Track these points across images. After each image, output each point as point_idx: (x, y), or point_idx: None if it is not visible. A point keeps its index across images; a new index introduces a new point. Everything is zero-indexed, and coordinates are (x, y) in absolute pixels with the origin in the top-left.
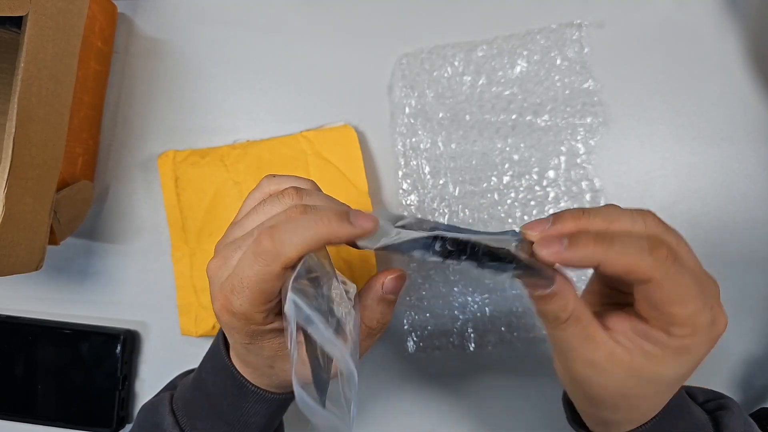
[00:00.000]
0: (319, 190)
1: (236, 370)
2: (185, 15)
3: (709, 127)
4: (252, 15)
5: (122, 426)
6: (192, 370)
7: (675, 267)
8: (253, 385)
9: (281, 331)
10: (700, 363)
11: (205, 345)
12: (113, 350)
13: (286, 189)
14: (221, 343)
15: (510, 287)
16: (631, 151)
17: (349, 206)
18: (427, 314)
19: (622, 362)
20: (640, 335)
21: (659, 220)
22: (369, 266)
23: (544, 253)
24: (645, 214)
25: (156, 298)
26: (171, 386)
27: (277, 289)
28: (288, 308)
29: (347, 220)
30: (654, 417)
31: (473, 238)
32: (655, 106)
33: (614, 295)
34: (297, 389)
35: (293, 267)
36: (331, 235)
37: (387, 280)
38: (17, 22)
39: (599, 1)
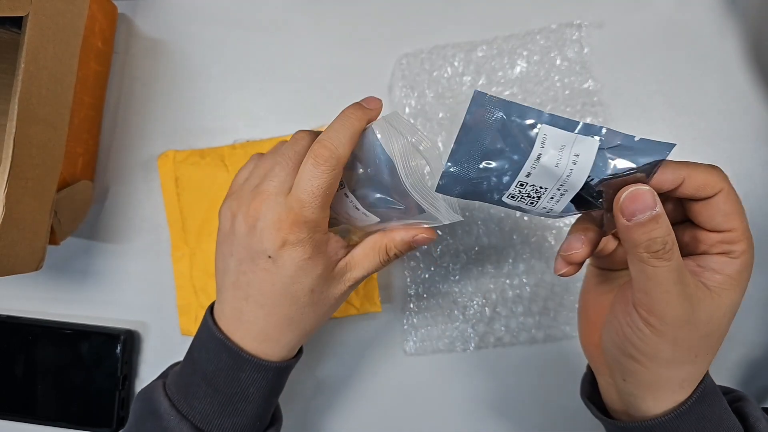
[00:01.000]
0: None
1: (232, 342)
2: (185, 15)
3: (709, 127)
4: (252, 15)
5: (122, 426)
6: (179, 362)
7: (730, 183)
8: (247, 353)
9: (333, 243)
10: (744, 291)
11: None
12: (113, 350)
13: (296, 133)
14: (211, 322)
15: (510, 287)
16: None
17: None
18: (427, 314)
19: (707, 296)
20: (707, 269)
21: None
22: (371, 285)
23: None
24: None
25: (156, 298)
26: (162, 375)
27: (335, 186)
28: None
29: (362, 106)
30: (690, 398)
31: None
32: (655, 106)
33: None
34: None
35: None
36: (362, 121)
37: (420, 235)
38: (17, 23)
39: (599, 1)
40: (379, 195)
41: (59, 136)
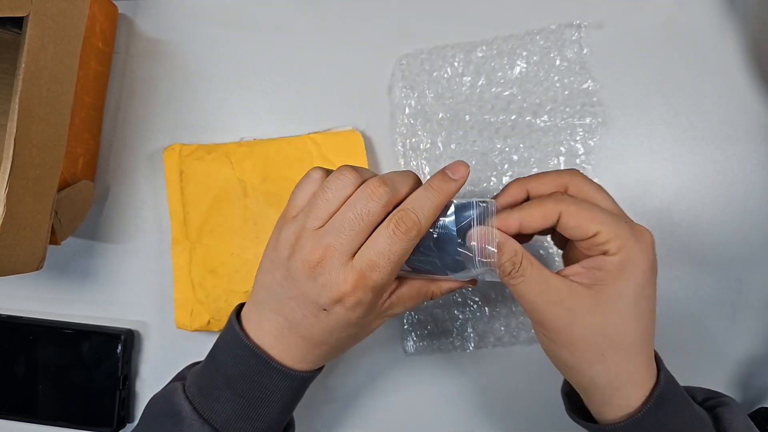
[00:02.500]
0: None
1: (260, 348)
2: (186, 16)
3: (708, 127)
4: (252, 15)
5: (123, 425)
6: (198, 362)
7: (572, 199)
8: (276, 361)
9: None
10: (647, 281)
11: (206, 343)
12: (114, 350)
13: (370, 181)
14: (237, 326)
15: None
16: (630, 152)
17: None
18: (427, 314)
19: (583, 293)
20: (588, 268)
21: (583, 174)
22: None
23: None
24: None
25: (156, 298)
26: (180, 377)
27: (406, 258)
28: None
29: (449, 177)
30: (647, 402)
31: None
32: (655, 107)
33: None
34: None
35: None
36: (448, 196)
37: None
38: (18, 23)
39: (598, 2)
40: (431, 259)
41: (60, 136)
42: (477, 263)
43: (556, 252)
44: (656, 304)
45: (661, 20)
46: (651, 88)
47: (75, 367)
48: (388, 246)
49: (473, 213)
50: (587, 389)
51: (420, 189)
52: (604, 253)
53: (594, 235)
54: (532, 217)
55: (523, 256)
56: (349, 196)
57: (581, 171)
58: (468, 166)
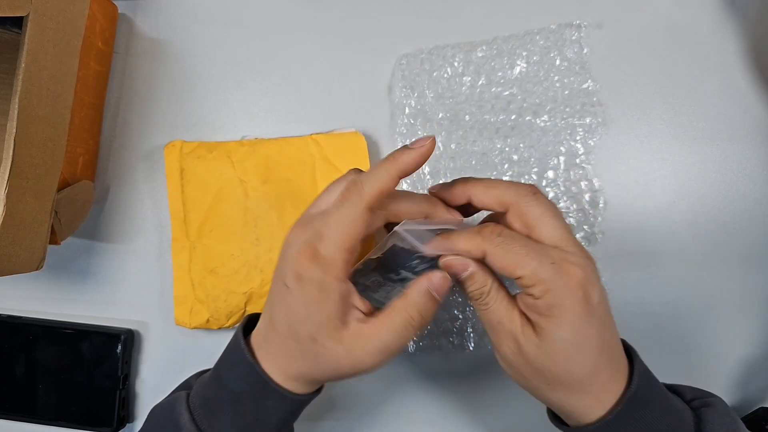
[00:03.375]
0: None
1: (261, 368)
2: (186, 16)
3: (708, 127)
4: (252, 15)
5: (123, 425)
6: (205, 371)
7: (500, 239)
8: (275, 383)
9: (346, 299)
10: (583, 318)
11: (206, 343)
12: (114, 350)
13: (349, 171)
14: (242, 341)
15: (510, 286)
16: (630, 151)
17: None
18: None
19: (530, 335)
20: (528, 310)
21: (534, 188)
22: None
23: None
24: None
25: (156, 297)
26: (185, 386)
27: (360, 233)
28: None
29: (406, 147)
30: (616, 406)
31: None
32: (655, 106)
33: None
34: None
35: (374, 209)
36: (403, 166)
37: (435, 278)
38: (18, 23)
39: (598, 2)
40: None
41: (59, 136)
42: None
43: None
44: (608, 327)
45: (661, 20)
46: (651, 87)
47: (75, 367)
48: (332, 215)
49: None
50: (556, 409)
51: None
52: (530, 295)
53: (518, 278)
54: (460, 249)
55: (491, 287)
56: None
57: (535, 187)
58: (433, 139)
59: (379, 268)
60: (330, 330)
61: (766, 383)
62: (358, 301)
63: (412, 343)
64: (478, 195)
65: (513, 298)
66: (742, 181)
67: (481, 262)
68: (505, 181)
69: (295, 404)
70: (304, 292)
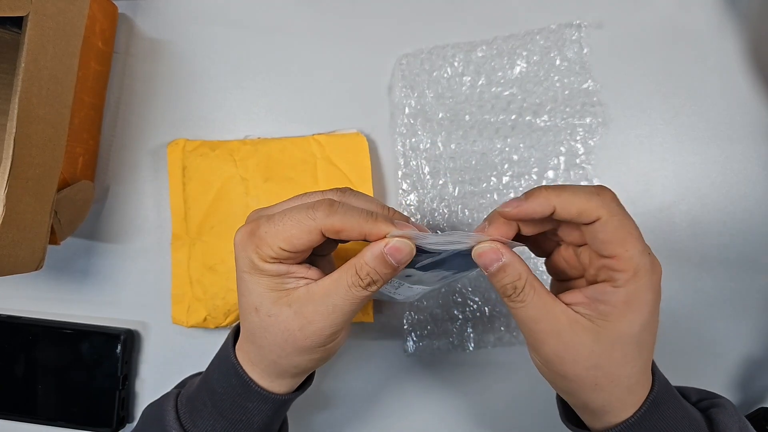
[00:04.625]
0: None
1: (242, 369)
2: (186, 16)
3: (708, 127)
4: (252, 15)
5: (122, 425)
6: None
7: (619, 208)
8: (257, 385)
9: (278, 279)
10: (653, 316)
11: (205, 343)
12: (113, 350)
13: (337, 187)
14: (231, 342)
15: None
16: (630, 152)
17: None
18: (427, 314)
19: (585, 328)
20: (592, 299)
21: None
22: (364, 310)
23: (507, 210)
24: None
25: (156, 297)
26: (181, 384)
27: (300, 242)
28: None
29: (393, 232)
30: (641, 407)
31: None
32: (655, 107)
33: (560, 286)
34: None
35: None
36: (373, 235)
37: (394, 241)
38: (18, 23)
39: (599, 2)
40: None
41: (59, 136)
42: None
43: None
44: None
45: (662, 20)
46: (651, 87)
47: (75, 367)
48: (293, 211)
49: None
50: (579, 408)
51: (361, 202)
52: (611, 282)
53: (611, 257)
54: (565, 209)
55: (526, 281)
56: None
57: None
58: (411, 250)
59: None
60: (272, 299)
61: (766, 383)
62: (301, 270)
63: (411, 343)
64: (564, 205)
65: (550, 292)
66: (743, 181)
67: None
68: (585, 187)
69: (277, 404)
70: (241, 263)
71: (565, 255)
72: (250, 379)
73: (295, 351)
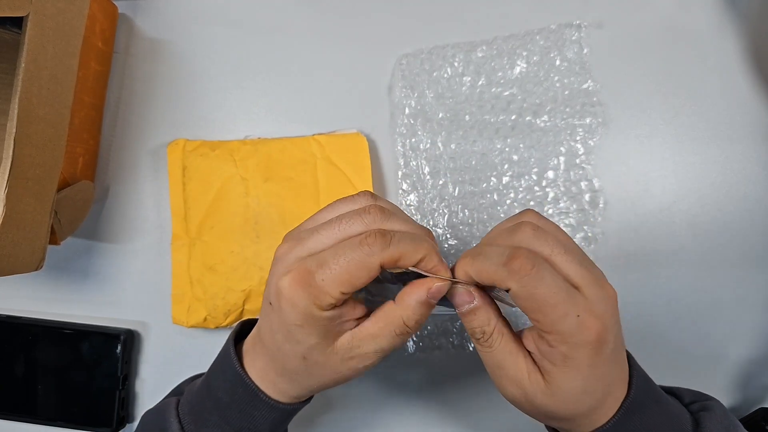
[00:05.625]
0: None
1: (249, 378)
2: (186, 16)
3: (708, 127)
4: (252, 15)
5: (122, 426)
6: (198, 376)
7: (529, 278)
8: (264, 394)
9: (335, 320)
10: (596, 370)
11: (205, 343)
12: (114, 350)
13: (370, 207)
14: (232, 351)
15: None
16: (630, 152)
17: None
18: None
19: (538, 381)
20: (539, 353)
21: (533, 225)
22: None
23: (434, 289)
24: (521, 217)
25: (156, 297)
26: (177, 392)
27: (361, 282)
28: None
29: (437, 259)
30: (615, 415)
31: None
32: (655, 107)
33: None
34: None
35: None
36: (416, 260)
37: (434, 287)
38: (18, 23)
39: (599, 2)
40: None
41: (59, 136)
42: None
43: None
44: (617, 361)
45: (662, 20)
46: (651, 88)
47: (75, 367)
48: (344, 250)
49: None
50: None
51: (411, 231)
52: (545, 341)
53: (536, 322)
54: (481, 276)
55: (495, 327)
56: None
57: (532, 224)
58: (443, 288)
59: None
60: (321, 349)
61: (765, 384)
62: (349, 312)
63: (411, 343)
64: (478, 275)
65: (518, 338)
66: (743, 181)
67: (488, 294)
68: (498, 255)
69: (285, 414)
70: (288, 314)
71: None
72: (258, 388)
73: (333, 384)
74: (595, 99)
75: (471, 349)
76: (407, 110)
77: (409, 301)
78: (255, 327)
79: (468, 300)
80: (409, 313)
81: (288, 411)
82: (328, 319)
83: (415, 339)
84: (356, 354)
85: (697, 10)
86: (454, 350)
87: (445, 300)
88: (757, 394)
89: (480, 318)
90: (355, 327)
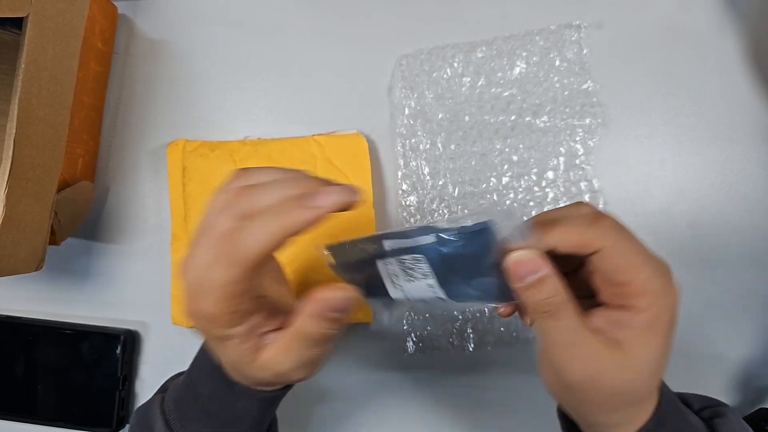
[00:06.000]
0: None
1: (223, 369)
2: (186, 16)
3: (708, 127)
4: (252, 16)
5: (122, 426)
6: (182, 373)
7: (620, 234)
8: (238, 385)
9: (247, 337)
10: (670, 339)
11: None
12: (113, 350)
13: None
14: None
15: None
16: (630, 152)
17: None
18: (426, 315)
19: (610, 355)
20: (612, 324)
21: (590, 204)
22: (363, 311)
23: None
24: (578, 202)
25: (156, 298)
26: (163, 389)
27: (245, 289)
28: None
29: (302, 205)
30: (648, 422)
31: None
32: (654, 107)
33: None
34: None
35: (260, 266)
36: (291, 227)
37: (333, 294)
38: (18, 24)
39: (598, 2)
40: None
41: (59, 137)
42: (494, 290)
43: None
44: None
45: (661, 20)
46: (651, 88)
47: (75, 367)
48: (206, 270)
49: (508, 229)
50: (586, 426)
51: (270, 212)
52: (628, 309)
53: (624, 284)
54: (567, 243)
55: (566, 298)
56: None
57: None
58: (338, 192)
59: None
60: (245, 363)
61: (766, 384)
62: (264, 324)
63: (411, 343)
64: (559, 244)
65: (581, 314)
66: (743, 181)
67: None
68: (580, 219)
69: (267, 402)
70: (207, 338)
71: (574, 280)
72: (232, 379)
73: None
74: (594, 99)
75: (471, 349)
76: (407, 111)
77: (303, 319)
78: None
79: (535, 269)
80: (310, 326)
81: (268, 399)
82: (243, 332)
83: (414, 340)
84: (283, 367)
85: (697, 10)
86: (454, 351)
87: (473, 284)
88: (757, 394)
89: (549, 288)
90: (275, 340)
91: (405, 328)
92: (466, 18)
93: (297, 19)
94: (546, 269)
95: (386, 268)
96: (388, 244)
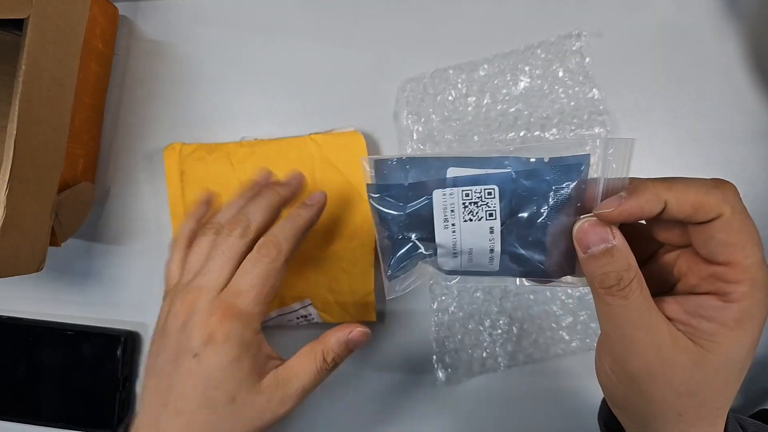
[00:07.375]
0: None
1: None
2: (187, 18)
3: (709, 129)
4: (252, 17)
5: (122, 426)
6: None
7: (742, 206)
8: None
9: (261, 350)
10: (756, 343)
11: None
12: (114, 351)
13: (224, 223)
14: None
15: (535, 303)
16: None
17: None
18: (456, 339)
19: (686, 347)
20: (693, 313)
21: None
22: (367, 298)
23: (605, 211)
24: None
25: (157, 299)
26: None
27: (277, 284)
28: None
29: (306, 204)
30: None
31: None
32: (655, 109)
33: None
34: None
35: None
36: (307, 222)
37: (355, 331)
38: (18, 25)
39: (596, 10)
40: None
41: (60, 138)
42: (552, 259)
43: None
44: None
45: (661, 23)
46: (651, 90)
47: (75, 368)
48: (247, 272)
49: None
50: None
51: (282, 219)
52: (720, 295)
53: (726, 264)
54: (680, 204)
55: (636, 274)
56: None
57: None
58: (324, 194)
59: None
60: (249, 385)
61: (766, 385)
62: (268, 348)
63: (441, 372)
64: (677, 200)
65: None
66: (743, 183)
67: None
68: (702, 180)
69: None
70: (222, 352)
71: (659, 262)
72: None
73: (259, 430)
74: (601, 107)
75: (501, 368)
76: (415, 135)
77: (330, 339)
78: (147, 404)
79: (605, 238)
80: (329, 348)
81: None
82: (258, 344)
83: (444, 366)
84: (281, 394)
85: (696, 12)
86: (485, 372)
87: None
88: (758, 395)
89: (618, 261)
90: (278, 367)
91: (434, 358)
92: (465, 37)
93: (299, 21)
94: (617, 240)
95: (443, 201)
96: (453, 172)
